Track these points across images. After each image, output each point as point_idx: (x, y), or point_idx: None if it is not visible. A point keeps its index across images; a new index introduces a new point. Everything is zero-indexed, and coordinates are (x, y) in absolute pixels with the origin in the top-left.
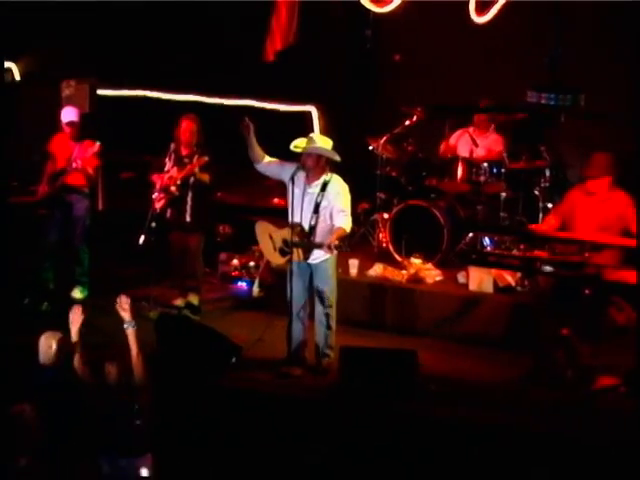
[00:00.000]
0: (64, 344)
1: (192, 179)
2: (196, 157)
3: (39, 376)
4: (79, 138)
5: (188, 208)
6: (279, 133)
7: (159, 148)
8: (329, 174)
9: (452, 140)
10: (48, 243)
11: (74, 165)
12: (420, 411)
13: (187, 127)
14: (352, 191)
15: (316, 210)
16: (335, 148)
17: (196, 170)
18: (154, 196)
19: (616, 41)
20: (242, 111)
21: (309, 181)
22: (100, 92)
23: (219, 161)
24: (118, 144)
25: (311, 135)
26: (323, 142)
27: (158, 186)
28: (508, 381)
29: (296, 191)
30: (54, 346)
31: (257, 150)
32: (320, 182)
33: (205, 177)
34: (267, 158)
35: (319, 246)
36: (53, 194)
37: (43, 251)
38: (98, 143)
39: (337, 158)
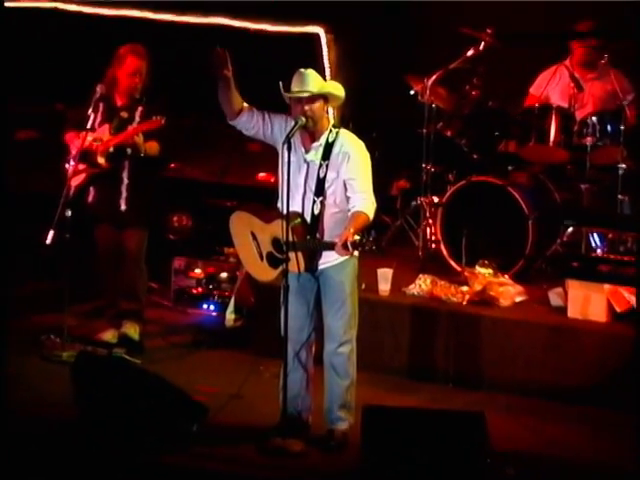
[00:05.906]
0: None
1: (130, 149)
2: (139, 109)
3: None
4: None
5: (123, 190)
6: (269, 69)
7: (79, 92)
8: (333, 129)
9: (541, 81)
10: None
11: None
12: None
13: (133, 66)
14: (385, 160)
15: (319, 189)
16: (352, 93)
17: (137, 139)
18: (68, 167)
19: None
20: (211, 34)
21: (307, 143)
22: None
23: (174, 114)
24: (13, 86)
25: (300, 70)
26: (315, 79)
27: (75, 152)
28: (625, 459)
29: (292, 161)
30: None
31: (235, 98)
32: (322, 143)
33: (153, 147)
34: (247, 109)
35: (329, 246)
36: None
37: None
38: None
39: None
